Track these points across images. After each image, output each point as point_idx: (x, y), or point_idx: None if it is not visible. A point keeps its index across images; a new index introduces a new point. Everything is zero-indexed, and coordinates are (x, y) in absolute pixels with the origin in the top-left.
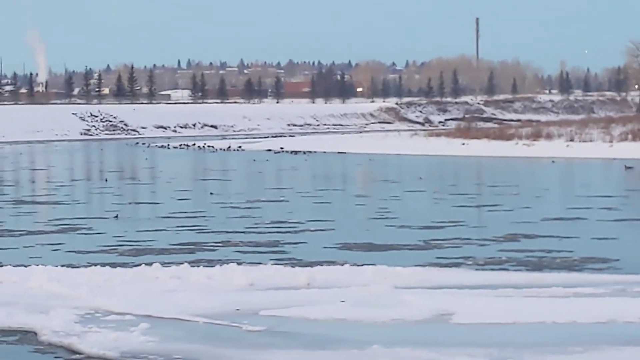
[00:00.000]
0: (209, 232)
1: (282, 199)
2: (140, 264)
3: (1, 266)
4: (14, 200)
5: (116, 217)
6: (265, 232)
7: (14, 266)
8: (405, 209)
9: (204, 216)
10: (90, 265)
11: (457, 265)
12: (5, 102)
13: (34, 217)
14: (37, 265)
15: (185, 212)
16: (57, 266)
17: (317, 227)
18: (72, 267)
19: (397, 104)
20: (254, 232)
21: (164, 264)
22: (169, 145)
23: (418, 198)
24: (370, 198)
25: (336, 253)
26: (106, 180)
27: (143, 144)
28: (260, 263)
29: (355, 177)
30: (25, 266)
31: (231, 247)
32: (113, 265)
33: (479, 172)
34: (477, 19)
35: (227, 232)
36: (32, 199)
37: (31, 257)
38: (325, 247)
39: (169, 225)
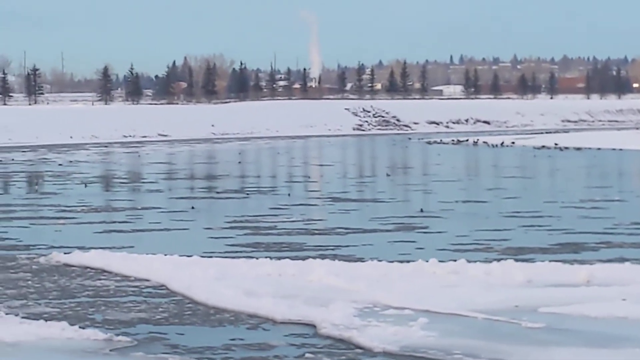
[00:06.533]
0: (573, 233)
1: (615, 198)
2: (536, 261)
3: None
4: (326, 197)
5: (421, 210)
6: None
7: (292, 259)
8: None
9: (550, 216)
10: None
11: None
12: (279, 97)
13: (356, 215)
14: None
15: (519, 212)
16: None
17: None
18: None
19: None
20: (623, 234)
21: (549, 261)
22: (441, 140)
23: None
24: None
25: None
26: (388, 175)
27: (420, 139)
28: None
29: None
30: (303, 259)
31: (615, 248)
32: (532, 260)
33: None
34: None
35: (592, 233)
36: (341, 195)
37: (400, 254)
38: None
39: (516, 225)
